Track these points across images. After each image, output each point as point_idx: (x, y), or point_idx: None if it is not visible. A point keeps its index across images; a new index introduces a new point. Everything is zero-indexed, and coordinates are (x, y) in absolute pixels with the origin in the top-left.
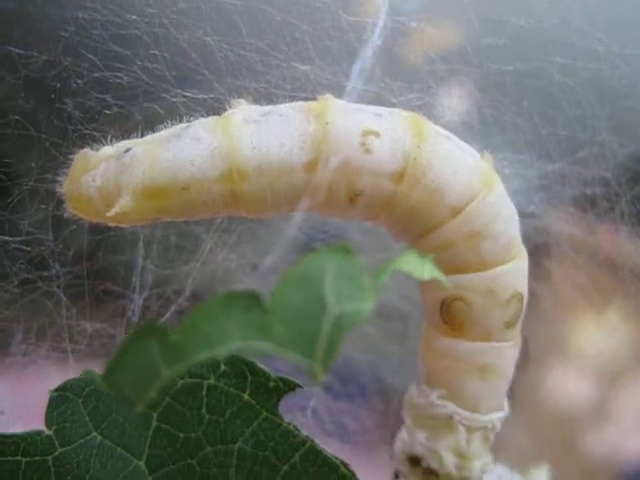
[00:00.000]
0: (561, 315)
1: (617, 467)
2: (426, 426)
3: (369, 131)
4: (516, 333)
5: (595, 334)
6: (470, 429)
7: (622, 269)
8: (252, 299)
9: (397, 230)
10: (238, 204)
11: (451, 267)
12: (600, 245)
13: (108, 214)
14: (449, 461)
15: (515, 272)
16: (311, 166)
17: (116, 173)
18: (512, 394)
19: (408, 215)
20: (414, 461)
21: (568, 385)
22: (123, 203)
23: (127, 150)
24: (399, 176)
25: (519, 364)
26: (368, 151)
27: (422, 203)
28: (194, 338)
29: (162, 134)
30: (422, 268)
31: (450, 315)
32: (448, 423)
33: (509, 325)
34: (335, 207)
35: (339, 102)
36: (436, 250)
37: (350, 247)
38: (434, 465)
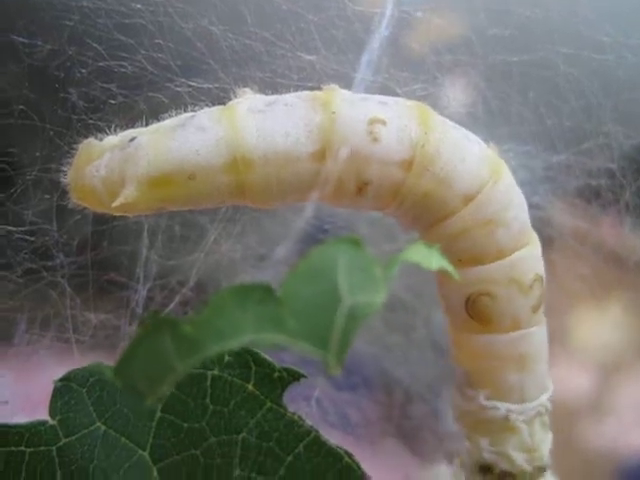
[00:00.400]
0: (564, 306)
1: (617, 461)
2: (486, 431)
3: (376, 119)
4: (541, 314)
5: (597, 326)
6: (528, 422)
7: (626, 262)
8: (265, 292)
9: (407, 219)
10: (244, 194)
11: (469, 258)
12: (604, 237)
13: (113, 204)
14: (520, 460)
15: (531, 256)
16: (318, 155)
17: (121, 163)
18: None
19: (418, 204)
20: (485, 469)
21: (569, 377)
22: (128, 193)
23: (132, 139)
24: (408, 164)
25: None
26: (375, 140)
27: (432, 191)
28: (207, 331)
29: (167, 123)
30: (430, 259)
31: (477, 311)
32: (506, 424)
33: (535, 309)
34: (344, 197)
35: (345, 92)
36: (450, 239)
37: (359, 239)
38: (507, 467)
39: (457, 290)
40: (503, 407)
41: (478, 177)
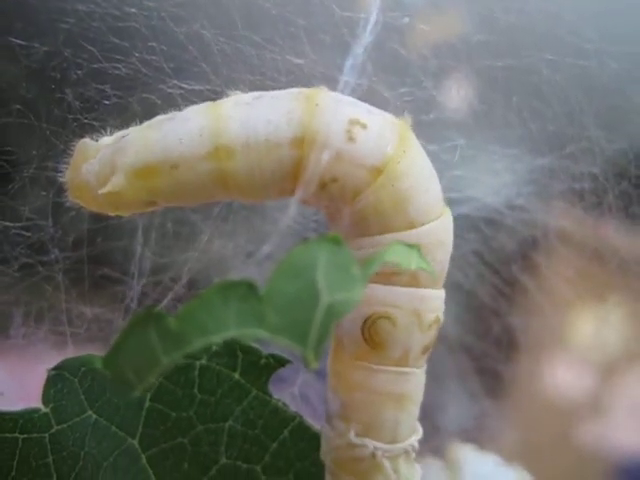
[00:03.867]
0: (549, 306)
1: (614, 461)
2: (351, 471)
3: (357, 121)
4: (426, 359)
5: (583, 326)
6: (392, 458)
7: (609, 263)
8: (248, 288)
9: (344, 223)
10: (227, 184)
11: (382, 275)
12: (588, 239)
13: (100, 191)
14: None
15: (440, 299)
16: (297, 142)
17: (112, 156)
18: (504, 387)
19: (368, 214)
20: None
21: (565, 378)
22: (116, 181)
23: (124, 136)
24: (377, 172)
25: (510, 356)
26: (352, 139)
27: (387, 205)
28: (191, 326)
29: (157, 119)
30: (409, 259)
31: (373, 333)
32: (372, 462)
33: (425, 350)
34: (306, 191)
35: (334, 93)
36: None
37: (340, 238)
38: None
39: (358, 309)
40: (371, 445)
41: (432, 211)
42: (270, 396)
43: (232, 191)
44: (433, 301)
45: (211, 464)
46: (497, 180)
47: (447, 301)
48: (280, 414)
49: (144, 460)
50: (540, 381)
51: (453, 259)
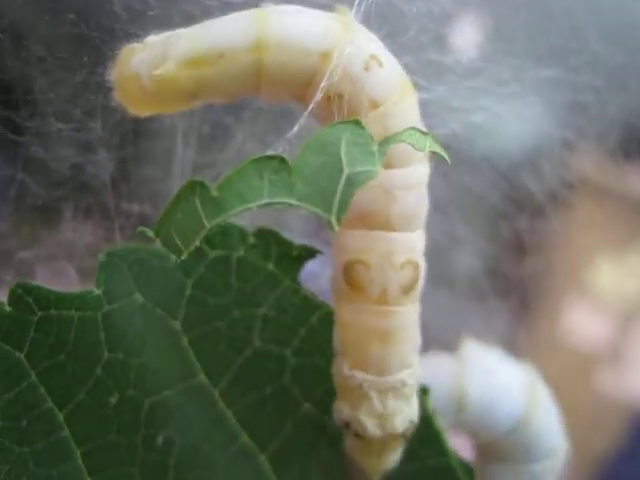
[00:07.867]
0: (551, 208)
1: (631, 409)
2: (347, 397)
3: (376, 57)
4: (414, 299)
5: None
6: (381, 391)
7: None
8: (280, 162)
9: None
10: (260, 78)
11: (358, 216)
12: (589, 146)
13: (154, 73)
14: (370, 425)
15: (413, 241)
16: (325, 55)
17: (163, 47)
18: (514, 288)
19: None
20: (346, 425)
21: (587, 325)
22: (168, 66)
23: (171, 35)
24: (375, 105)
25: (534, 296)
26: (367, 70)
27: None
28: (230, 194)
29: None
30: (424, 142)
31: (351, 277)
32: (360, 392)
33: (406, 290)
34: (314, 96)
35: (365, 29)
36: None
37: (361, 122)
38: (359, 430)
39: (339, 257)
40: (359, 377)
41: (414, 154)
42: (300, 286)
43: (262, 85)
44: (404, 243)
45: (245, 346)
46: (505, 89)
47: (458, 204)
48: (309, 302)
49: (185, 341)
50: (558, 321)
51: (465, 164)
